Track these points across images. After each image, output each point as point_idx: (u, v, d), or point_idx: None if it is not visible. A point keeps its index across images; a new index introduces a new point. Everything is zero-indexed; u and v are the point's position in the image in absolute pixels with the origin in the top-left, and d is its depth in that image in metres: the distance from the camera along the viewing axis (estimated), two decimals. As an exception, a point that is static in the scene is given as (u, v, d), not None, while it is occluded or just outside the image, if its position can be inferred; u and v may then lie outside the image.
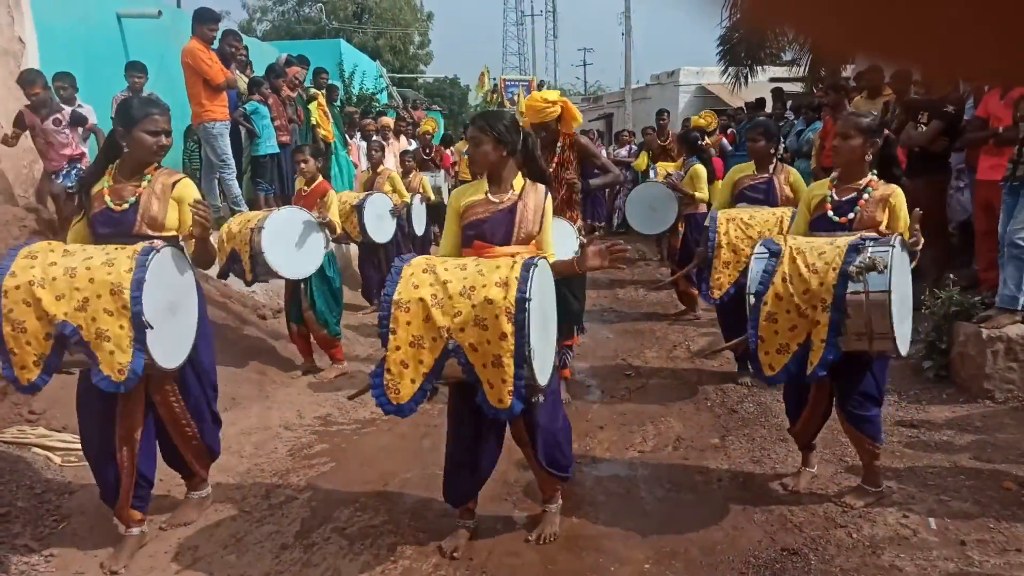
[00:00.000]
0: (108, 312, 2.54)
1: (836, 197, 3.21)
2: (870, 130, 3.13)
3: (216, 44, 6.63)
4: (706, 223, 4.68)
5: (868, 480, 3.24)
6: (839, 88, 6.93)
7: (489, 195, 2.89)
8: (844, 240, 2.96)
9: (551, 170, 4.26)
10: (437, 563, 2.90)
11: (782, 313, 2.93)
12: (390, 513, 3.29)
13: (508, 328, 2.43)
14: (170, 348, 2.76)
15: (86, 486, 3.39)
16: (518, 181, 2.95)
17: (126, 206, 2.83)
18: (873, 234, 3.04)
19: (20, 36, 5.73)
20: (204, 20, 6.39)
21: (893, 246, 2.86)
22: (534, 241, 2.92)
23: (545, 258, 2.79)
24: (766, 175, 4.66)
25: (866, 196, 3.14)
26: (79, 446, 3.66)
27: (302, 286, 5.08)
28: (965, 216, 5.76)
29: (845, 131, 3.15)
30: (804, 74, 11.77)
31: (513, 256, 2.73)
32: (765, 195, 4.63)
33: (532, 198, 2.91)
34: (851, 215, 3.15)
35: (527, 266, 2.53)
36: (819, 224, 3.24)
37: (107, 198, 2.84)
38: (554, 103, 4.31)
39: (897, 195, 3.15)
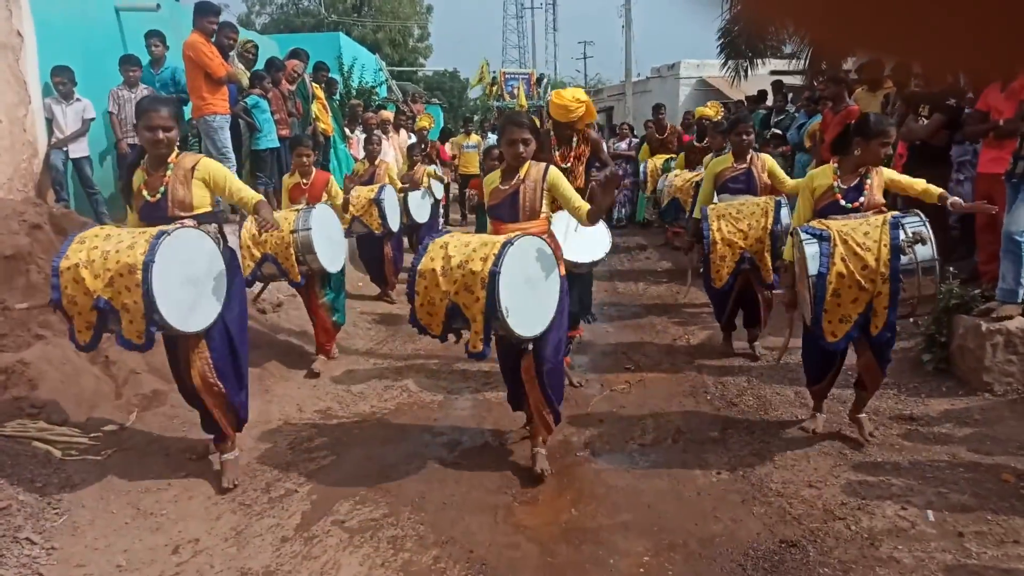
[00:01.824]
0: (127, 288, 3.00)
1: (843, 186, 3.56)
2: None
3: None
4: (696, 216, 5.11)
5: (861, 408, 3.81)
6: (840, 81, 6.91)
7: (500, 184, 3.48)
8: (877, 219, 3.39)
9: (569, 163, 4.54)
10: (437, 555, 2.91)
11: (845, 289, 3.33)
12: (390, 506, 3.31)
13: (481, 293, 3.07)
14: (189, 314, 3.17)
15: (87, 480, 3.41)
16: (525, 167, 3.45)
17: (159, 196, 3.28)
18: (896, 212, 3.48)
19: (18, 30, 5.70)
20: (204, 13, 6.36)
21: (924, 220, 3.33)
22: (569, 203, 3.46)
23: (534, 235, 3.31)
24: (744, 165, 5.04)
25: (868, 181, 3.54)
26: (80, 440, 3.70)
27: (318, 281, 5.15)
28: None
29: (890, 139, 3.49)
30: (805, 67, 11.74)
31: (522, 230, 3.34)
32: (746, 184, 5.03)
33: (532, 178, 3.44)
34: (860, 199, 3.52)
35: (505, 244, 3.13)
36: (829, 211, 3.56)
37: (144, 192, 3.30)
38: (583, 103, 4.46)
39: (884, 177, 3.60)
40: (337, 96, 10.44)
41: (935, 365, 4.52)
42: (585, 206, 3.42)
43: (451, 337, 3.32)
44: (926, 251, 3.28)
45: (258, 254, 4.89)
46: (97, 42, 6.88)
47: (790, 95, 10.10)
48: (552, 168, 3.49)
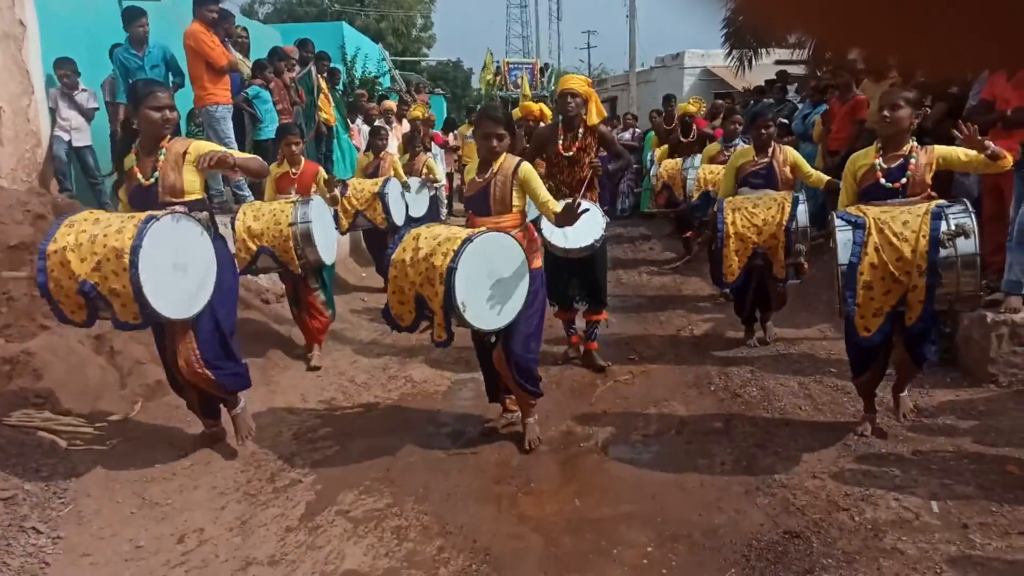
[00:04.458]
0: (115, 272, 2.99)
1: (885, 165, 3.44)
2: (916, 101, 3.44)
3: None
4: (714, 209, 4.97)
5: (901, 386, 3.82)
6: (848, 70, 6.88)
7: (476, 176, 3.58)
8: (920, 208, 3.22)
9: (572, 152, 4.60)
10: (441, 545, 2.92)
11: (877, 280, 3.17)
12: (394, 496, 3.31)
13: (440, 288, 3.18)
14: (177, 302, 3.18)
15: (92, 469, 3.42)
16: (499, 161, 3.51)
17: (152, 180, 3.29)
18: (942, 200, 3.32)
19: (21, 19, 5.68)
20: (204, 1, 6.33)
21: (970, 210, 3.15)
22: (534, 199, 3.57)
23: (502, 231, 3.41)
24: (766, 159, 4.93)
25: (913, 161, 3.40)
26: (85, 429, 3.71)
27: (311, 274, 5.02)
28: (973, 200, 5.73)
29: (895, 102, 3.38)
30: (810, 56, 11.67)
31: (494, 224, 3.44)
32: (767, 179, 4.91)
33: (502, 172, 3.49)
34: (903, 180, 3.39)
35: (466, 241, 3.21)
36: (871, 192, 3.44)
37: (138, 175, 3.31)
38: (578, 93, 4.60)
39: (934, 156, 3.42)
40: (340, 86, 10.41)
41: (940, 356, 4.49)
42: (554, 206, 3.50)
43: (423, 323, 3.44)
44: (968, 245, 3.08)
45: (254, 247, 4.76)
46: (100, 32, 6.86)
47: (795, 85, 10.05)
48: (524, 163, 3.53)
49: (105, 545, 2.92)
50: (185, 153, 3.32)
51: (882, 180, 3.41)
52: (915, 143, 3.44)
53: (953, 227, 3.08)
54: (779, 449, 3.64)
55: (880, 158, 3.45)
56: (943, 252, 3.07)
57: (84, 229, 3.06)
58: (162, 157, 3.30)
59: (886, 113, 3.38)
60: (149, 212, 3.13)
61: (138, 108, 3.24)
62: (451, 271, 3.15)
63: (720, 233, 4.67)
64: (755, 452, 3.63)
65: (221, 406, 3.76)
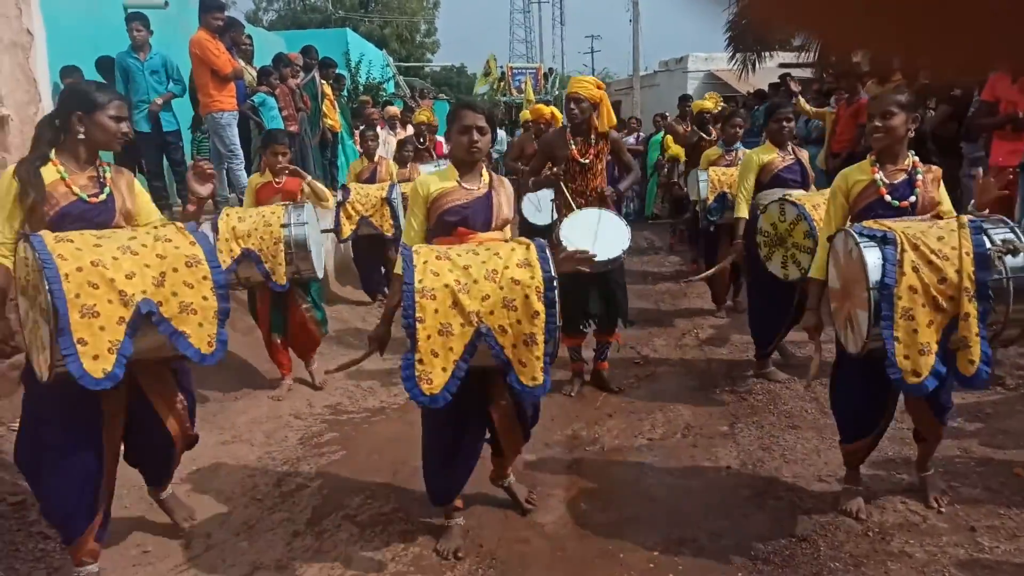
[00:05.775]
0: (188, 285, 2.46)
1: (887, 180, 2.95)
2: (910, 105, 2.93)
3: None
4: (758, 212, 4.51)
5: (925, 462, 3.13)
6: (853, 73, 6.88)
7: (462, 183, 2.85)
8: (950, 222, 2.72)
9: (588, 159, 4.34)
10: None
11: (918, 308, 2.59)
12: (400, 501, 3.32)
13: (539, 307, 2.45)
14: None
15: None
16: (486, 173, 2.95)
17: (103, 198, 2.63)
18: (970, 215, 2.84)
19: (28, 28, 5.72)
20: (209, 9, 6.37)
21: (1012, 226, 2.70)
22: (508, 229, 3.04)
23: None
24: (792, 157, 4.60)
25: (919, 177, 2.94)
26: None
27: (298, 287, 4.63)
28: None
29: (886, 110, 2.89)
30: (814, 59, 11.67)
31: (493, 241, 2.80)
32: (800, 177, 4.58)
33: (503, 189, 2.95)
34: (912, 198, 2.92)
35: (542, 247, 2.58)
36: (874, 210, 2.93)
37: (76, 189, 2.57)
38: (584, 97, 4.26)
39: (939, 174, 3.02)
40: (345, 92, 10.45)
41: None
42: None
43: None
44: (1019, 263, 2.61)
45: (237, 250, 4.25)
46: (106, 40, 6.92)
47: (798, 91, 10.04)
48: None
49: (112, 550, 2.92)
50: (133, 183, 2.80)
51: (887, 197, 2.92)
52: (915, 157, 2.99)
53: (1000, 242, 2.61)
54: (785, 452, 3.63)
55: (879, 172, 2.95)
56: (992, 273, 2.58)
57: (96, 243, 2.40)
58: (107, 174, 2.68)
59: (878, 123, 2.91)
60: (179, 222, 2.65)
61: (92, 112, 2.58)
62: (548, 280, 2.48)
63: (812, 231, 3.96)
64: (761, 455, 3.62)
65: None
